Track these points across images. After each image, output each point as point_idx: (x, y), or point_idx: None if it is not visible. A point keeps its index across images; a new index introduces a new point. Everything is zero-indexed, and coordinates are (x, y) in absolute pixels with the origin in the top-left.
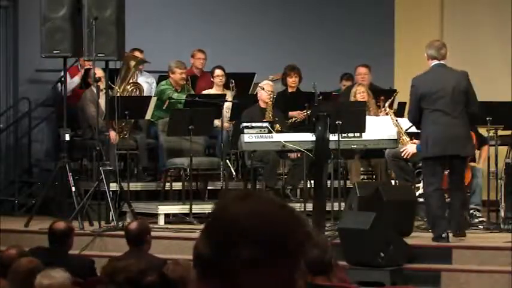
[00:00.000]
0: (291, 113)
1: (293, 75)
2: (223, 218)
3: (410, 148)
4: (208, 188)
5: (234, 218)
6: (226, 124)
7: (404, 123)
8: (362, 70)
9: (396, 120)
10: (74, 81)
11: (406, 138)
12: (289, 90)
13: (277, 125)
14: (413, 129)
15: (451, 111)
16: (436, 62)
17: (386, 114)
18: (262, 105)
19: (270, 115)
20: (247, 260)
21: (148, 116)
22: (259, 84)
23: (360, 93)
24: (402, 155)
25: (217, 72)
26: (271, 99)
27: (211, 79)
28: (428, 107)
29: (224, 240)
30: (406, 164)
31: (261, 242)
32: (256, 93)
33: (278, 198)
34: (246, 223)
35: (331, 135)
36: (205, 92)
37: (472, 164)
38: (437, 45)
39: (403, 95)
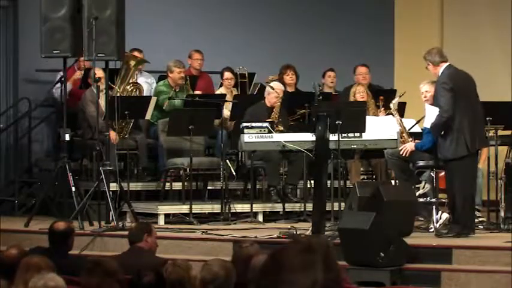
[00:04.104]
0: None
1: (289, 73)
2: None
3: (409, 146)
4: (208, 188)
5: None
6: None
7: (407, 122)
8: (363, 70)
9: (400, 120)
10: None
11: (408, 138)
12: (288, 89)
13: (280, 126)
14: (414, 130)
15: (476, 108)
16: (445, 64)
17: (390, 113)
18: (268, 104)
19: (277, 115)
20: None
21: (148, 116)
22: (269, 84)
23: (360, 93)
24: (401, 153)
25: (227, 75)
26: (279, 100)
27: (221, 81)
28: (461, 104)
29: None
30: (406, 164)
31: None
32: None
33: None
34: None
35: (331, 135)
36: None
37: None
38: (438, 51)
39: (403, 95)
